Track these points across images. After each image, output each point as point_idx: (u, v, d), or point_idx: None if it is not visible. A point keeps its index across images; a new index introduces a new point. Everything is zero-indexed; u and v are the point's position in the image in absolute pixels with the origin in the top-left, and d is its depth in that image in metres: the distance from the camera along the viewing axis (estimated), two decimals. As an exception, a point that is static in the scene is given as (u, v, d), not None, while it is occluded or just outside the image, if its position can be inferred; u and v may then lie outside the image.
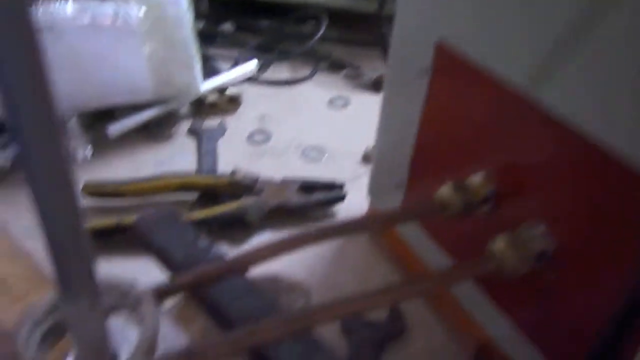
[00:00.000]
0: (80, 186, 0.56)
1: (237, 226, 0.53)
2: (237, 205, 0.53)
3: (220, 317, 0.37)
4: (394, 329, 0.46)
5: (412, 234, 0.48)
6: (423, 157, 0.44)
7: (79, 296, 0.25)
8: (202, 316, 0.38)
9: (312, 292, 0.42)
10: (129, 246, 0.51)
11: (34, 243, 0.46)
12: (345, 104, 0.73)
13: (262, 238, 0.54)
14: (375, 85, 0.74)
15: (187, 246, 0.40)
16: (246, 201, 0.54)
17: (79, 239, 0.23)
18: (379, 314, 0.47)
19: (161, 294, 0.31)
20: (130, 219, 0.51)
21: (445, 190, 0.38)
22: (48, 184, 0.21)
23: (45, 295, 0.29)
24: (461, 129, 0.40)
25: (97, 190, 0.56)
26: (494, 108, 0.37)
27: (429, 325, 0.47)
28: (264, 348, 0.31)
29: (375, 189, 0.54)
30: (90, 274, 0.25)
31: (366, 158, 0.63)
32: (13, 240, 0.39)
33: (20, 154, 0.21)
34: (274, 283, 0.40)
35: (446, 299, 0.46)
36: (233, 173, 0.56)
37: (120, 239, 0.51)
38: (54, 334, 0.29)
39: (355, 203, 0.57)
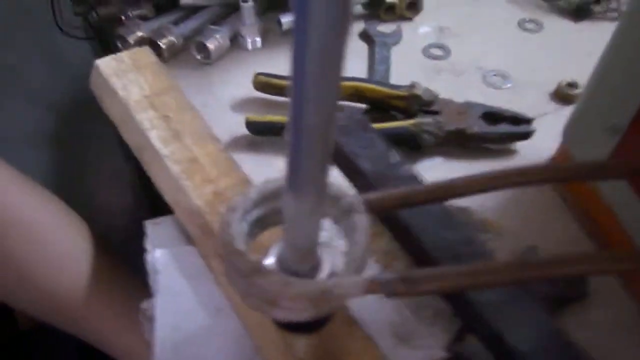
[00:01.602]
0: (252, 77, 0.54)
1: (408, 146, 0.49)
2: (413, 123, 0.49)
3: (411, 243, 0.34)
4: (575, 291, 0.41)
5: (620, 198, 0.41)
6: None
7: (307, 196, 0.22)
8: (387, 236, 0.36)
9: (504, 240, 0.38)
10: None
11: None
12: (538, 28, 0.63)
13: (433, 163, 0.50)
14: (577, 12, 0.63)
15: (377, 157, 0.37)
16: (423, 120, 0.49)
17: (329, 134, 0.20)
18: (561, 272, 0.41)
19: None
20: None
21: None
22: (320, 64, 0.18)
23: (252, 187, 0.27)
24: None
25: (269, 84, 0.53)
26: None
27: (617, 295, 0.41)
28: (495, 323, 0.28)
29: (574, 130, 0.47)
30: (324, 176, 0.22)
31: (558, 94, 0.55)
32: (203, 121, 0.38)
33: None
34: (466, 215, 0.36)
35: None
36: (412, 86, 0.51)
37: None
38: (259, 226, 0.28)
39: (540, 143, 0.50)
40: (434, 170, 0.49)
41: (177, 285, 0.32)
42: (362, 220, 0.26)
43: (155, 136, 0.36)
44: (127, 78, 0.40)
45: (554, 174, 0.30)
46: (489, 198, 0.48)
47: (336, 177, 0.37)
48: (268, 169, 0.49)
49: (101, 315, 0.50)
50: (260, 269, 0.24)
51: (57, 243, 0.50)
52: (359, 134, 0.38)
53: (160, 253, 0.33)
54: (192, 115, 0.38)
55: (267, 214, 0.28)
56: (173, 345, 0.30)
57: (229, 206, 0.26)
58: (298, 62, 0.18)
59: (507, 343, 0.28)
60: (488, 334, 0.29)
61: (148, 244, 0.35)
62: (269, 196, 0.27)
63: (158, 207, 0.38)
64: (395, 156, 0.37)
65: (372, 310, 0.31)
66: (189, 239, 0.35)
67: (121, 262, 0.54)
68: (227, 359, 0.30)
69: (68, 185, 0.83)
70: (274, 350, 0.29)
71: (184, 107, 0.38)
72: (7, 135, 0.78)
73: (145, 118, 0.37)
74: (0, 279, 0.49)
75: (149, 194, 0.38)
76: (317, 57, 0.17)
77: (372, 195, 0.29)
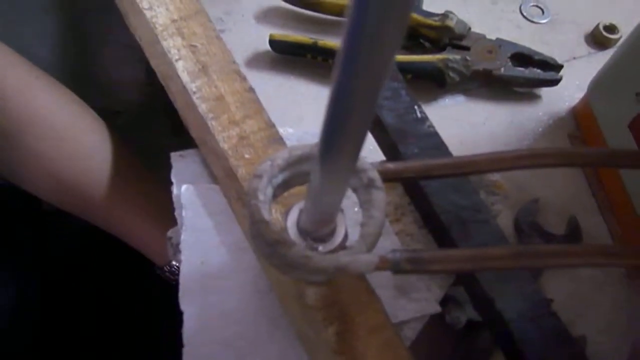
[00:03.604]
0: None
1: (432, 81, 0.49)
2: (442, 58, 0.48)
3: (421, 202, 0.36)
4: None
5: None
6: None
7: (339, 168, 0.23)
8: (400, 189, 0.37)
9: (509, 198, 0.40)
10: (318, 71, 0.49)
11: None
12: (589, -47, 0.59)
13: (455, 101, 0.50)
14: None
15: (401, 110, 0.37)
16: (452, 56, 0.48)
17: (373, 106, 0.20)
18: (557, 228, 0.44)
19: (382, 174, 0.29)
20: (327, 42, 0.48)
21: None
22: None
23: (279, 153, 0.28)
24: None
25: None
26: None
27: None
28: (489, 293, 0.30)
29: (601, 86, 0.46)
30: (359, 150, 0.22)
31: (595, 37, 0.53)
32: (230, 54, 0.37)
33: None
34: (478, 176, 0.38)
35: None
36: (445, 16, 0.49)
37: (311, 61, 0.49)
38: (283, 187, 0.29)
39: (566, 90, 0.50)
40: (455, 108, 0.49)
41: (202, 222, 0.35)
42: (380, 197, 0.28)
43: (182, 68, 0.36)
44: (154, -4, 0.39)
45: (578, 160, 0.31)
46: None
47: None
48: (289, 92, 0.49)
49: (123, 208, 0.53)
50: (283, 241, 0.26)
51: (79, 140, 0.52)
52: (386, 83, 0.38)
53: (185, 188, 0.35)
54: (218, 46, 0.37)
55: (292, 177, 0.29)
56: (198, 278, 0.33)
57: (255, 173, 0.27)
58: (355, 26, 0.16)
59: (496, 309, 0.32)
60: (481, 297, 0.32)
61: (173, 177, 0.37)
62: (295, 162, 0.29)
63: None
64: (419, 111, 0.37)
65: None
66: (212, 175, 0.37)
67: (137, 144, 0.56)
68: (245, 292, 0.33)
69: (80, 58, 0.82)
70: (287, 294, 0.32)
71: (210, 36, 0.38)
72: (19, 6, 0.76)
73: (172, 46, 0.37)
74: (26, 173, 0.52)
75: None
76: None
77: (391, 165, 0.30)
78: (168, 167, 0.40)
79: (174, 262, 0.54)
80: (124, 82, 0.89)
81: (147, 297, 0.62)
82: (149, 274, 0.55)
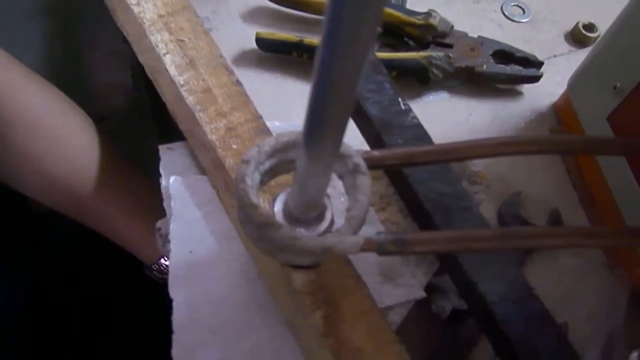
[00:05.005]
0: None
1: (416, 78, 0.50)
2: (425, 56, 0.49)
3: (406, 191, 0.37)
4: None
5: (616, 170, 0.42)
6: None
7: (323, 154, 0.24)
8: (385, 180, 0.38)
9: (490, 188, 0.40)
10: (304, 68, 0.50)
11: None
12: (567, -45, 0.60)
13: (439, 98, 0.51)
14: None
15: (385, 103, 0.38)
16: (435, 54, 0.49)
17: (353, 91, 0.21)
18: (540, 221, 0.45)
19: (367, 162, 0.30)
20: (313, 40, 0.49)
21: None
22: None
23: (266, 140, 0.29)
24: None
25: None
26: None
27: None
28: (472, 277, 0.31)
29: (579, 82, 0.47)
30: (342, 135, 0.23)
31: (574, 35, 0.55)
32: (217, 48, 0.38)
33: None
34: (460, 166, 0.38)
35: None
36: (428, 14, 0.50)
37: (297, 59, 0.49)
38: (270, 175, 0.30)
39: (547, 86, 0.51)
40: (439, 105, 0.50)
41: (190, 213, 0.35)
42: (365, 182, 0.28)
43: (169, 61, 0.37)
44: (141, -8, 0.39)
45: (558, 147, 0.32)
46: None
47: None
48: (276, 89, 0.50)
49: (112, 207, 0.54)
50: (271, 223, 0.26)
51: (70, 140, 0.52)
52: (370, 76, 0.39)
53: (174, 180, 0.36)
54: (205, 41, 0.38)
55: (278, 164, 0.30)
56: (187, 267, 0.33)
57: (243, 159, 0.28)
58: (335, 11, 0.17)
59: (479, 292, 0.32)
60: (464, 282, 0.33)
61: (162, 169, 0.37)
62: (281, 148, 0.29)
63: (154, 87, 0.39)
64: (402, 103, 0.38)
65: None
66: (200, 167, 0.37)
67: (123, 150, 0.57)
68: (234, 280, 0.34)
69: (66, 64, 0.82)
70: (275, 280, 0.32)
71: (197, 31, 0.38)
72: (5, 12, 0.76)
73: (160, 40, 0.38)
74: (16, 173, 0.52)
75: (146, 75, 0.39)
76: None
77: (376, 152, 0.31)
78: (153, 170, 0.40)
79: (162, 261, 0.55)
80: (110, 88, 0.89)
81: (141, 297, 0.62)
82: (142, 274, 0.55)
